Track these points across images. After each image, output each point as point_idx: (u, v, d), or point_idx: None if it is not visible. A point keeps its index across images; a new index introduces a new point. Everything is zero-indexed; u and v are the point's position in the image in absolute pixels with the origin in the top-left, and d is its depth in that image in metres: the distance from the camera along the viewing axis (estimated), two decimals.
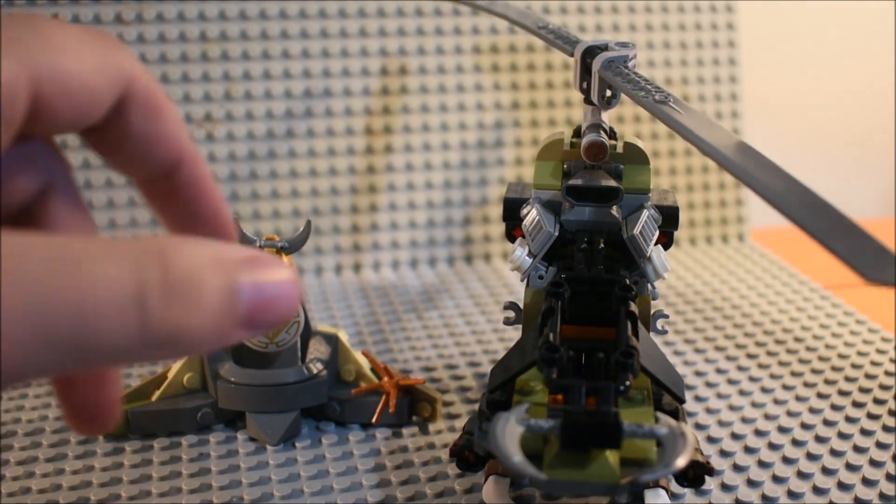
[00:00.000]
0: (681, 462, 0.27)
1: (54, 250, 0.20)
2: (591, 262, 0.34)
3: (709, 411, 0.44)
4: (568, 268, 0.35)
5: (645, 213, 0.35)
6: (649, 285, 0.35)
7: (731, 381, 0.46)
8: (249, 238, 0.42)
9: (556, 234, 0.35)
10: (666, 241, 0.37)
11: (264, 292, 0.23)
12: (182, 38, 0.60)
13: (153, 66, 0.60)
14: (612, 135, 0.37)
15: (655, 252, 0.34)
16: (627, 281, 0.34)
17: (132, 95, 0.24)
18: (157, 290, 0.21)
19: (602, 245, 0.35)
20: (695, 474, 0.33)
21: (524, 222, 0.36)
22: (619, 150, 0.36)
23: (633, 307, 0.33)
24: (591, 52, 0.35)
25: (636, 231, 0.34)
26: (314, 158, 0.63)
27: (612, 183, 0.35)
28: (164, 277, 0.21)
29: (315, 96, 0.63)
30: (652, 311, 0.37)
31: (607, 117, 0.37)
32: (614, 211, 0.35)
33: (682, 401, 0.33)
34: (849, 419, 0.43)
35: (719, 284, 0.60)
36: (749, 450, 0.40)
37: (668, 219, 0.36)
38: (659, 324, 0.38)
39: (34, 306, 0.19)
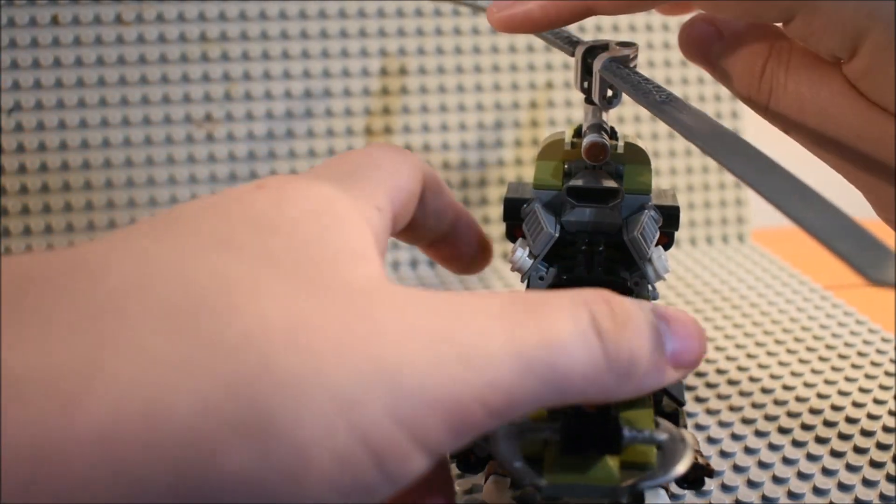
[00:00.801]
0: (681, 468, 0.27)
1: (516, 298, 0.23)
2: (591, 264, 0.34)
3: (709, 412, 0.44)
4: (568, 269, 0.35)
5: (646, 214, 0.35)
6: (649, 286, 0.35)
7: (731, 382, 0.46)
8: None
9: (557, 234, 0.35)
10: (667, 241, 0.37)
11: (681, 334, 0.26)
12: (182, 38, 0.60)
13: (153, 66, 0.60)
14: (613, 135, 0.37)
15: (656, 253, 0.34)
16: (628, 283, 0.34)
17: (425, 183, 0.30)
18: (609, 320, 0.23)
19: (602, 247, 0.35)
20: (695, 476, 0.33)
21: (524, 223, 0.36)
22: (620, 150, 0.36)
23: None
24: (591, 52, 0.35)
25: (636, 232, 0.34)
26: (314, 159, 0.63)
27: (612, 184, 0.35)
28: (610, 310, 0.24)
29: (315, 97, 0.63)
30: None
31: (608, 117, 0.37)
32: (614, 212, 0.35)
33: (681, 403, 0.33)
34: (849, 420, 0.43)
35: (719, 285, 0.60)
36: (749, 450, 0.40)
37: (669, 219, 0.36)
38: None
39: (517, 343, 0.22)
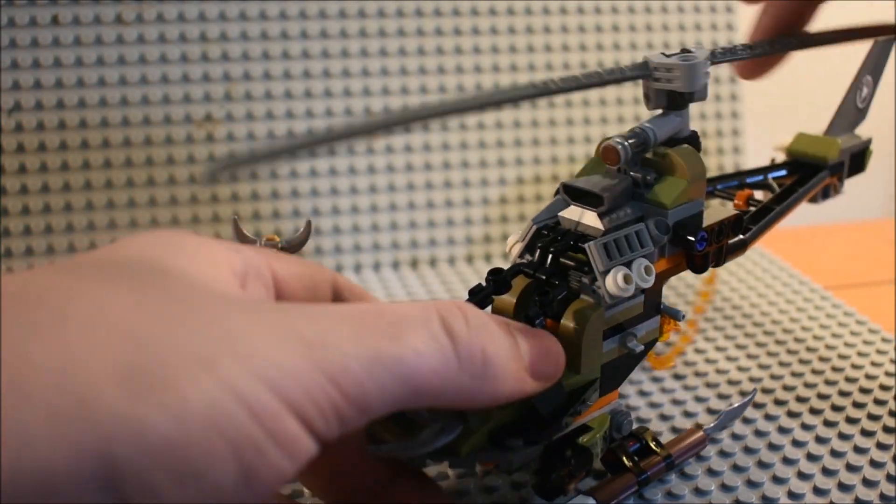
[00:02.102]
0: (418, 445, 0.29)
1: (371, 306, 0.25)
2: (542, 259, 0.35)
3: (710, 412, 0.44)
4: (527, 260, 0.35)
5: (631, 229, 0.34)
6: (604, 295, 0.33)
7: (731, 382, 0.46)
8: (250, 239, 0.41)
9: (536, 225, 0.35)
10: (680, 262, 0.36)
11: (537, 346, 0.29)
12: (182, 38, 0.60)
13: (153, 66, 0.60)
14: (694, 140, 0.36)
15: (619, 273, 0.33)
16: (550, 288, 0.33)
17: (337, 280, 0.32)
18: (461, 323, 0.26)
19: (561, 245, 0.34)
20: (550, 487, 0.33)
21: None
22: (650, 156, 0.36)
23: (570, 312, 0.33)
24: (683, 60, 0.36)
25: (590, 243, 0.33)
26: (314, 159, 0.63)
27: (596, 190, 0.34)
28: (463, 316, 0.26)
29: (315, 97, 0.63)
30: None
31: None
32: (595, 217, 0.34)
33: (539, 411, 0.32)
34: (849, 420, 0.43)
35: (719, 285, 0.60)
36: (749, 450, 0.40)
37: (677, 239, 0.35)
38: (632, 342, 0.35)
39: (363, 338, 0.24)
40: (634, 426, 0.38)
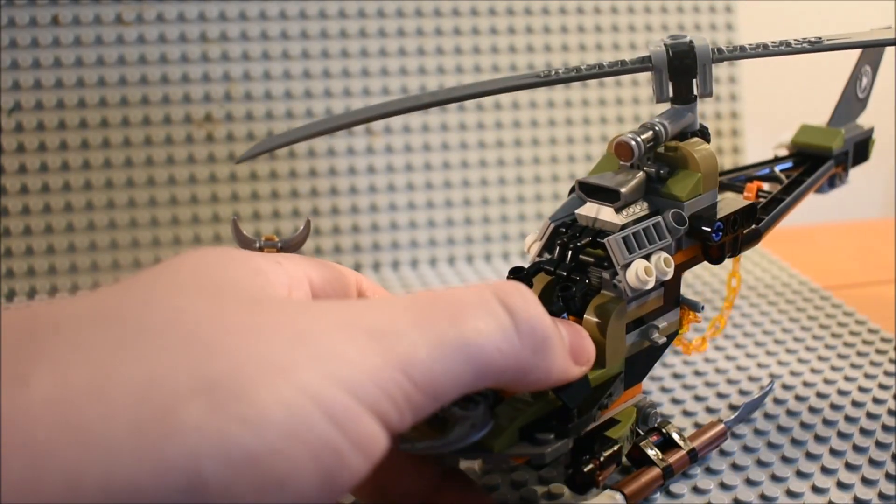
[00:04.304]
0: (454, 440, 0.28)
1: (426, 293, 0.26)
2: (562, 256, 0.35)
3: (709, 410, 0.44)
4: (547, 259, 0.36)
5: (648, 222, 0.34)
6: (626, 290, 0.34)
7: (730, 381, 0.46)
8: (249, 239, 0.42)
9: (553, 224, 0.36)
10: (696, 255, 0.37)
11: (574, 333, 0.30)
12: (182, 38, 0.60)
13: (153, 66, 0.60)
14: (703, 133, 0.37)
15: (640, 266, 0.33)
16: (572, 284, 0.34)
17: (363, 289, 0.32)
18: (518, 299, 0.26)
19: (582, 242, 0.35)
20: (582, 481, 0.33)
21: None
22: (662, 151, 0.36)
23: (595, 306, 0.34)
24: (682, 55, 0.36)
25: (609, 238, 0.33)
26: (314, 159, 0.63)
27: (612, 185, 0.35)
28: (519, 292, 0.27)
29: (315, 96, 0.63)
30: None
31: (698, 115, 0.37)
32: (612, 212, 0.35)
33: (568, 406, 0.32)
34: (848, 419, 0.43)
35: (719, 285, 0.60)
36: (748, 449, 0.40)
37: (692, 231, 0.35)
38: (655, 335, 0.36)
39: (426, 323, 0.24)
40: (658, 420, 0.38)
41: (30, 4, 0.58)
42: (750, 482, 0.38)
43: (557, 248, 0.35)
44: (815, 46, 0.36)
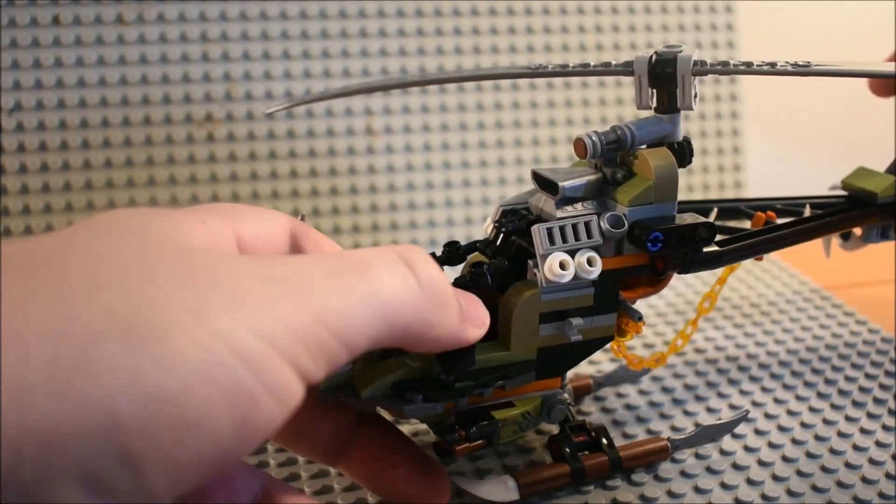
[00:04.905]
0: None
1: (336, 252, 0.28)
2: (495, 238, 0.36)
3: (709, 410, 0.44)
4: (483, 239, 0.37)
5: (581, 219, 0.34)
6: (541, 279, 0.34)
7: (731, 381, 0.47)
8: None
9: (502, 207, 0.37)
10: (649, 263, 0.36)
11: (467, 298, 0.31)
12: (183, 38, 0.60)
13: (154, 66, 0.60)
14: (680, 146, 0.37)
15: (556, 259, 0.33)
16: (485, 267, 0.35)
17: (294, 226, 0.32)
18: (418, 258, 0.28)
19: (515, 227, 0.36)
20: (444, 447, 0.35)
21: None
22: (630, 156, 0.36)
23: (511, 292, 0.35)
24: (663, 63, 0.36)
25: (535, 226, 0.34)
26: (314, 159, 0.63)
27: (555, 179, 0.35)
28: (418, 252, 0.28)
29: None
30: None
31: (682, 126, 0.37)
32: (553, 205, 0.35)
33: (446, 374, 0.33)
34: (848, 419, 0.43)
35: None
36: (749, 449, 0.40)
37: (633, 238, 0.35)
38: (571, 331, 0.35)
39: (337, 275, 0.25)
40: (606, 423, 0.39)
41: (30, 4, 0.58)
42: (751, 482, 0.38)
43: (493, 229, 0.36)
44: (800, 70, 0.35)
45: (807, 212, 0.45)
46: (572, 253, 0.34)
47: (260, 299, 0.23)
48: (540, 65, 0.40)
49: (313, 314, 0.24)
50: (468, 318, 0.30)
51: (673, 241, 0.35)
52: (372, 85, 0.44)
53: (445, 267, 0.35)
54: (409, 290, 0.27)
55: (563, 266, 0.34)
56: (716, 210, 0.45)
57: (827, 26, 0.81)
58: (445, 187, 0.65)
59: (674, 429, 0.42)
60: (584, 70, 0.38)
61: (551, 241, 0.34)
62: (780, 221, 0.43)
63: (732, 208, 0.46)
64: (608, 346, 0.38)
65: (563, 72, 0.39)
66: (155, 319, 0.21)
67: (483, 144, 0.66)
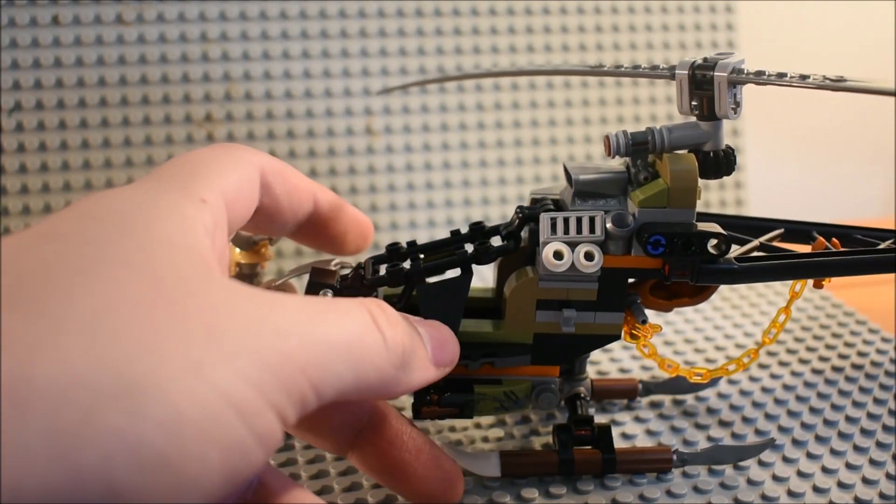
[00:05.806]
0: None
1: (312, 298, 0.27)
2: (510, 225, 0.37)
3: (710, 411, 0.44)
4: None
5: (586, 213, 0.35)
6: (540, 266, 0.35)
7: (731, 381, 0.46)
8: (248, 238, 0.42)
9: (532, 195, 0.38)
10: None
11: (436, 338, 0.32)
12: (182, 38, 0.60)
13: (154, 66, 0.60)
14: (716, 155, 0.36)
15: (553, 247, 0.34)
16: (469, 250, 0.36)
17: (265, 170, 0.33)
18: (384, 319, 0.28)
19: (531, 212, 0.36)
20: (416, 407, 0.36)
21: None
22: (652, 159, 0.36)
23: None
24: (704, 69, 0.35)
25: (542, 214, 0.35)
26: (314, 159, 0.63)
27: (574, 173, 0.36)
28: (383, 312, 0.28)
29: (315, 97, 0.63)
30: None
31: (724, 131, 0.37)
32: (570, 196, 0.36)
33: None
34: (849, 419, 0.43)
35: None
36: None
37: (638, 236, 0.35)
38: (565, 321, 0.36)
39: (322, 329, 0.25)
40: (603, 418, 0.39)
41: (30, 4, 0.58)
42: (751, 482, 0.38)
43: (516, 213, 0.37)
44: (833, 85, 0.34)
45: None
46: (573, 245, 0.34)
47: (254, 350, 0.23)
48: (599, 63, 0.40)
49: (298, 366, 0.24)
50: (435, 356, 0.31)
51: (677, 247, 0.34)
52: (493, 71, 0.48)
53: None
54: (378, 350, 0.27)
55: (558, 256, 0.34)
56: (780, 230, 0.42)
57: (827, 26, 0.81)
58: (445, 187, 0.65)
59: (686, 442, 0.42)
60: (634, 71, 0.38)
61: (553, 230, 0.35)
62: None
63: (802, 230, 0.43)
64: (643, 348, 0.38)
65: (616, 72, 0.40)
66: (155, 378, 0.21)
67: (483, 144, 0.65)
